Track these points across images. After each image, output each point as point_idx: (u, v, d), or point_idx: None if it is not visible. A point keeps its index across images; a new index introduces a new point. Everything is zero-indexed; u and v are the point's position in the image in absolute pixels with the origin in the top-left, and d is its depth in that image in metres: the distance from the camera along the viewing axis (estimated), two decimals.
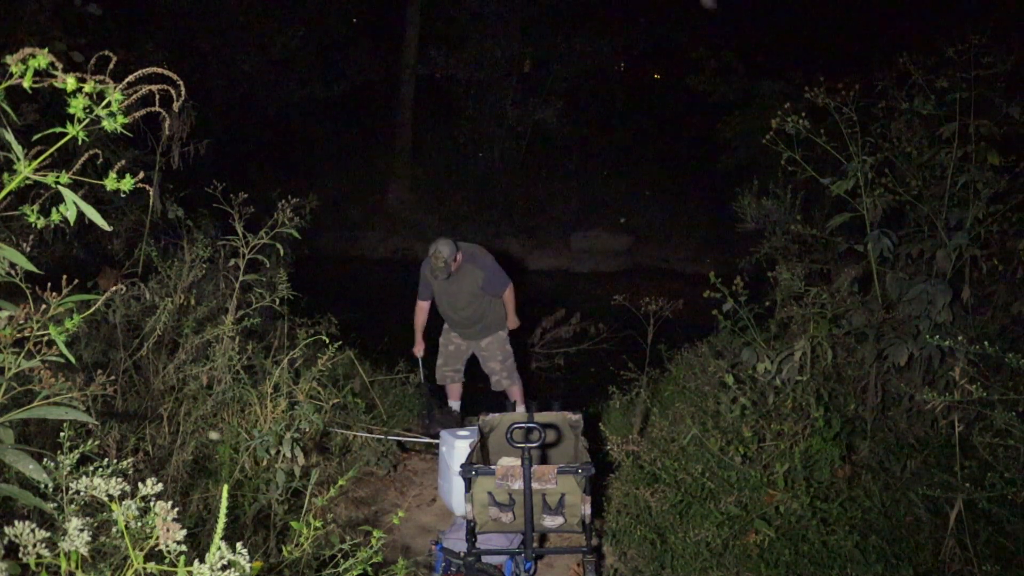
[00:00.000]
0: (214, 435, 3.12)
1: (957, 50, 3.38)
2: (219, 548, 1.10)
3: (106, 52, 1.17)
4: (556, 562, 3.43)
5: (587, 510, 2.80)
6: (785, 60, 10.63)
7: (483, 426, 3.43)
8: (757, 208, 4.97)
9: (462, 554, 2.85)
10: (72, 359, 1.35)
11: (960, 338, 2.85)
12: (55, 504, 1.45)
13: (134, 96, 1.14)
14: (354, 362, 4.82)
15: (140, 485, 1.22)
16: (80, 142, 1.15)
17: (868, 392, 3.69)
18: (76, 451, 1.56)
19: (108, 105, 1.12)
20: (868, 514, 3.21)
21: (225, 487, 1.17)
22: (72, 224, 1.19)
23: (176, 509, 1.14)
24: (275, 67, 13.45)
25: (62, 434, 1.61)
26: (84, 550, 1.14)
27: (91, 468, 1.52)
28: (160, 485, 1.23)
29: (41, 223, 1.21)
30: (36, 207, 1.21)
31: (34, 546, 1.12)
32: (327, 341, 3.62)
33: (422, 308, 4.80)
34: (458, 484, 3.37)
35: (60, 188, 1.14)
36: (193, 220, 4.62)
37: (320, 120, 14.62)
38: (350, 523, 3.54)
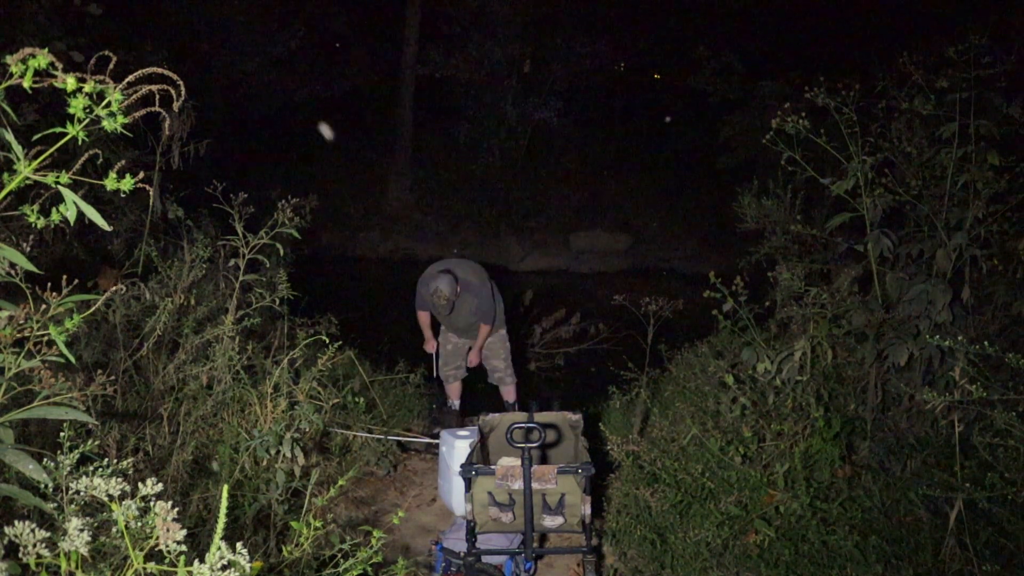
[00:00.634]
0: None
1: (957, 50, 3.38)
2: (219, 548, 1.10)
3: (106, 52, 1.17)
4: (556, 562, 3.43)
5: (587, 510, 2.80)
6: (785, 60, 10.64)
7: (483, 426, 3.43)
8: (757, 208, 4.96)
9: (462, 554, 2.85)
10: (72, 359, 1.35)
11: (960, 338, 2.85)
12: (55, 504, 1.45)
13: (134, 96, 1.14)
14: (354, 362, 4.81)
15: (140, 485, 1.22)
16: (80, 142, 1.15)
17: (868, 392, 3.69)
18: (76, 451, 1.55)
19: (108, 105, 1.12)
20: (868, 514, 3.21)
21: (225, 487, 1.17)
22: (72, 224, 1.19)
23: (176, 509, 1.14)
24: (275, 67, 13.44)
25: (62, 434, 1.61)
26: (84, 550, 1.14)
27: (91, 468, 1.52)
28: (160, 485, 1.23)
29: (41, 223, 1.21)
30: (36, 207, 1.21)
31: (34, 546, 1.12)
32: (327, 341, 3.62)
33: (424, 315, 4.83)
34: (458, 484, 3.37)
35: (60, 188, 1.14)
36: (193, 220, 4.61)
37: (320, 120, 14.62)
38: (350, 523, 3.54)
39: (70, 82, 1.07)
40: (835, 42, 12.09)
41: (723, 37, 12.40)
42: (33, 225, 1.21)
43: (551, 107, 13.98)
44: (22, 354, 1.39)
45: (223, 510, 1.14)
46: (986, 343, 2.55)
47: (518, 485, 2.74)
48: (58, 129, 1.14)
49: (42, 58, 1.05)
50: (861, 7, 12.70)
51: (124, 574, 1.19)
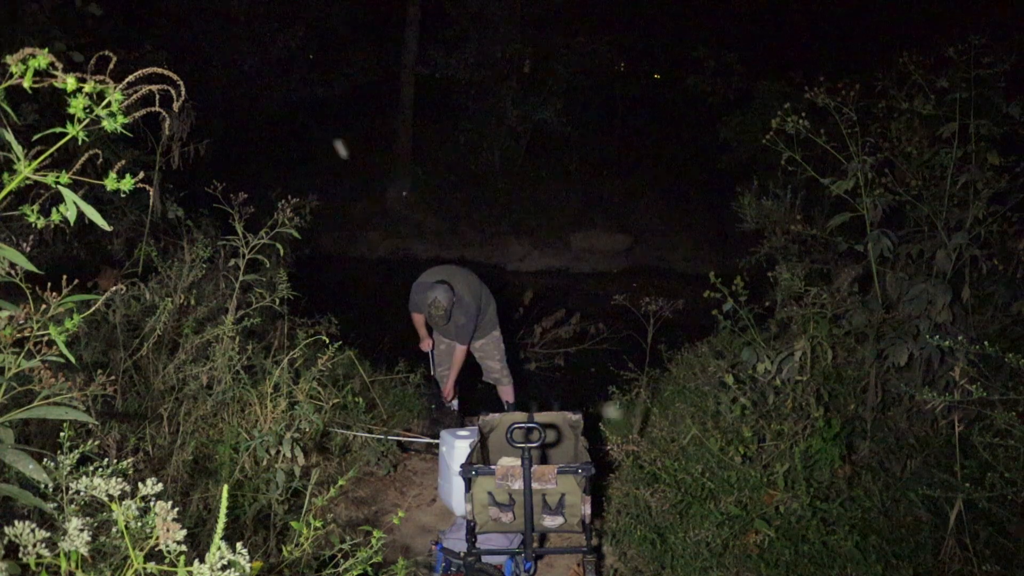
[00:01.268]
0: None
1: (957, 50, 3.38)
2: (219, 548, 1.10)
3: (106, 52, 1.17)
4: (556, 562, 3.43)
5: (587, 510, 2.80)
6: (785, 60, 10.63)
7: (483, 426, 3.43)
8: (757, 208, 4.96)
9: (462, 554, 2.85)
10: (72, 359, 1.35)
11: (960, 338, 2.85)
12: (55, 504, 1.45)
13: (134, 96, 1.14)
14: (354, 362, 4.81)
15: (140, 485, 1.22)
16: (80, 142, 1.15)
17: (868, 392, 3.69)
18: (76, 451, 1.55)
19: (108, 105, 1.12)
20: (868, 514, 3.21)
21: (225, 487, 1.17)
22: (72, 224, 1.19)
23: (176, 509, 1.14)
24: (275, 67, 13.45)
25: (62, 434, 1.61)
26: (84, 550, 1.14)
27: (91, 468, 1.52)
28: (160, 485, 1.23)
29: (41, 223, 1.21)
30: (36, 207, 1.21)
31: (34, 546, 1.12)
32: (327, 341, 3.62)
33: (418, 316, 4.82)
34: (458, 484, 3.37)
35: (60, 188, 1.14)
36: (193, 220, 4.61)
37: (320, 120, 14.62)
38: (350, 523, 3.54)
39: (70, 82, 1.07)
40: (835, 42, 12.09)
41: (723, 37, 12.40)
42: (33, 225, 1.21)
43: (551, 107, 13.97)
44: (22, 354, 1.39)
45: (223, 510, 1.14)
46: (986, 343, 2.55)
47: (518, 485, 2.74)
48: (58, 129, 1.14)
49: (42, 58, 1.05)
50: (861, 7, 12.70)
51: (124, 574, 1.19)
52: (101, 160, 1.34)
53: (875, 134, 3.69)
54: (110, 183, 1.17)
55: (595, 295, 10.13)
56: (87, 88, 1.09)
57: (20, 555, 1.13)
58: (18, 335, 1.38)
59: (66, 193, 1.14)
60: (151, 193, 3.69)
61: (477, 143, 14.42)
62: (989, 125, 3.41)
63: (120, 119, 1.13)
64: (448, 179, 14.39)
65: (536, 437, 2.81)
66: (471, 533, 2.86)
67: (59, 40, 4.72)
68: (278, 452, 3.09)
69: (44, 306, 1.40)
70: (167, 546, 1.10)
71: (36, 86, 1.08)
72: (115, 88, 1.11)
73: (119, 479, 1.21)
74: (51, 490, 1.46)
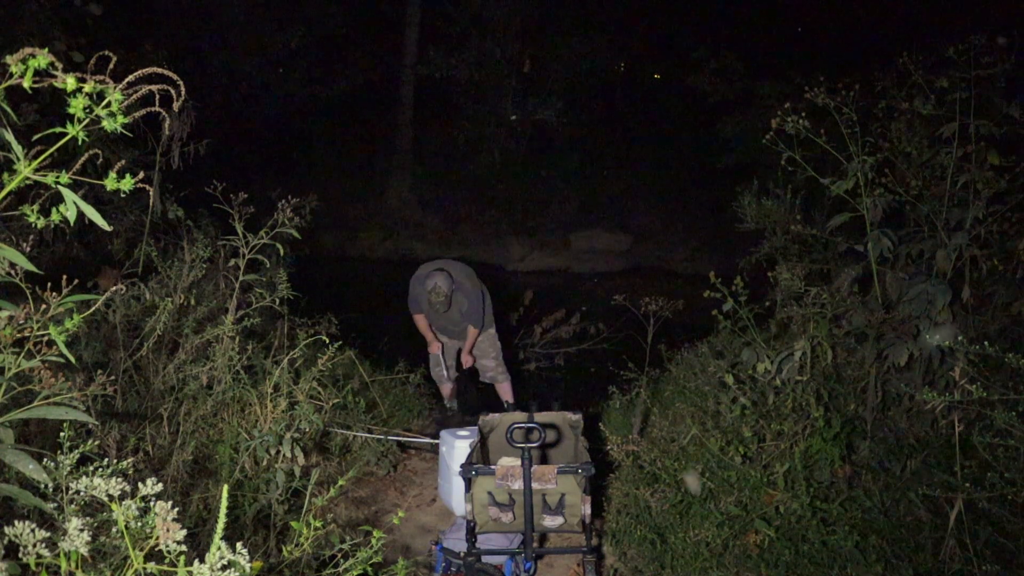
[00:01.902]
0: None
1: (957, 50, 3.38)
2: (219, 548, 1.10)
3: (106, 52, 1.17)
4: (556, 562, 3.43)
5: (587, 510, 2.80)
6: (785, 60, 10.62)
7: (483, 426, 3.43)
8: (757, 208, 4.96)
9: (462, 554, 2.85)
10: (72, 359, 1.35)
11: (960, 338, 2.85)
12: (55, 504, 1.45)
13: (134, 96, 1.14)
14: (354, 362, 4.82)
15: (140, 485, 1.22)
16: (80, 142, 1.15)
17: (868, 392, 3.69)
18: (76, 451, 1.55)
19: (108, 105, 1.12)
20: (868, 514, 3.21)
21: (225, 487, 1.17)
22: (72, 224, 1.19)
23: (176, 509, 1.13)
24: (275, 67, 13.45)
25: (62, 434, 1.61)
26: (84, 550, 1.14)
27: (91, 468, 1.52)
28: (160, 485, 1.22)
29: (41, 223, 1.21)
30: (36, 207, 1.21)
31: (34, 546, 1.12)
32: (327, 341, 3.62)
33: (420, 318, 4.83)
34: (458, 484, 3.37)
35: (60, 188, 1.14)
36: (193, 220, 4.61)
37: (320, 120, 14.61)
38: (350, 523, 3.54)
39: (70, 82, 1.07)
40: (835, 42, 12.08)
41: (723, 37, 12.40)
42: (33, 225, 1.21)
43: (551, 107, 13.98)
44: (22, 354, 1.39)
45: (223, 510, 1.14)
46: (986, 343, 2.55)
47: (518, 485, 2.73)
48: (58, 129, 1.14)
49: (42, 58, 1.05)
50: (861, 7, 12.69)
51: (124, 574, 1.19)
52: (101, 160, 1.34)
53: (875, 134, 3.69)
54: (110, 183, 1.17)
55: (595, 295, 10.12)
56: (87, 88, 1.09)
57: (20, 555, 1.13)
58: (18, 335, 1.38)
59: (66, 193, 1.14)
60: (151, 193, 3.68)
61: (477, 143, 14.42)
62: (989, 125, 3.41)
63: (120, 119, 1.13)
64: (448, 179, 14.39)
65: (536, 437, 2.81)
66: (471, 533, 2.86)
67: (59, 40, 4.72)
68: (278, 452, 3.09)
69: (44, 306, 1.40)
70: (167, 546, 1.10)
71: (36, 86, 1.08)
72: (115, 88, 1.11)
73: (119, 479, 1.21)
74: (51, 490, 1.46)
